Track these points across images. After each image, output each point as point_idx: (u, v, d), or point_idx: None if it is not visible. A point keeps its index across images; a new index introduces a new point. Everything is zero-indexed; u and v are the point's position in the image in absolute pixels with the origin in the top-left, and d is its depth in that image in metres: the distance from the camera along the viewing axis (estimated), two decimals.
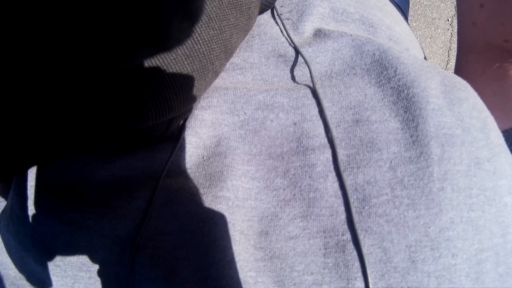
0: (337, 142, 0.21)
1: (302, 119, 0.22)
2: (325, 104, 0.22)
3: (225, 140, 0.22)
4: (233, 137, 0.22)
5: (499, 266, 0.19)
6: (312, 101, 0.22)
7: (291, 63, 0.24)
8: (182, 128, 0.22)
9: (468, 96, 0.23)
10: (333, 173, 0.20)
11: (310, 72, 0.23)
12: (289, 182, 0.21)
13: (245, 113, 0.23)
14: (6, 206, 0.23)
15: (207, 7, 0.19)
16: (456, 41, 1.23)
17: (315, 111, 0.22)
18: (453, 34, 1.23)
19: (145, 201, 0.20)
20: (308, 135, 0.21)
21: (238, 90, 0.23)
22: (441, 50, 1.22)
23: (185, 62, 0.18)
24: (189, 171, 0.22)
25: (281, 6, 0.26)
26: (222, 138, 0.22)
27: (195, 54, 0.19)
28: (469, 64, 0.33)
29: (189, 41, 0.19)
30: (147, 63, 0.18)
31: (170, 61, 0.18)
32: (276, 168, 0.21)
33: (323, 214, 0.20)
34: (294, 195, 0.20)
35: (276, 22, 0.26)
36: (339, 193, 0.20)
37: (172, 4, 0.14)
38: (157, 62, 0.18)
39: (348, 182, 0.20)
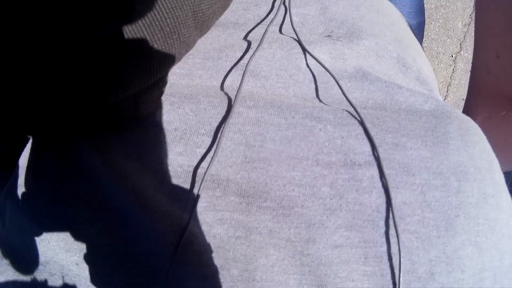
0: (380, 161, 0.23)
1: (348, 135, 0.23)
2: (367, 124, 0.23)
3: (271, 142, 0.23)
4: (278, 138, 0.23)
5: (495, 285, 0.22)
6: (355, 121, 0.24)
7: (332, 91, 0.26)
8: (222, 124, 0.23)
9: (479, 139, 0.26)
10: (377, 190, 0.22)
11: (349, 101, 0.25)
12: (336, 192, 0.22)
13: (293, 117, 0.23)
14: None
15: None
16: (456, 78, 1.28)
17: (359, 130, 0.23)
18: (455, 70, 1.28)
19: (187, 202, 0.21)
20: (354, 151, 0.23)
21: (283, 101, 0.24)
22: (441, 84, 1.27)
23: (145, 32, 0.18)
24: (230, 169, 0.22)
25: (331, 32, 0.28)
26: (267, 138, 0.23)
27: (156, 23, 0.18)
28: (478, 107, 0.36)
29: (151, 10, 0.18)
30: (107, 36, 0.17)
31: (128, 31, 0.17)
32: (324, 176, 0.22)
33: (365, 226, 0.21)
34: (341, 205, 0.22)
35: (322, 45, 0.28)
36: (380, 208, 0.22)
37: None
38: (114, 33, 0.17)
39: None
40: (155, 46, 0.19)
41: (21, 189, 0.23)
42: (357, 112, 0.24)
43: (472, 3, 1.32)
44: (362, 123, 0.24)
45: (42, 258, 0.22)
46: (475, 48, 0.37)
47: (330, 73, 0.25)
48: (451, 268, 0.21)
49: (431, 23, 1.30)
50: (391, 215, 0.22)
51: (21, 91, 0.17)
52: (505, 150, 0.33)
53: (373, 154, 0.23)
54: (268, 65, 0.26)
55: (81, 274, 0.22)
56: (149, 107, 0.23)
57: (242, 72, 0.25)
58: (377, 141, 0.23)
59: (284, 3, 0.30)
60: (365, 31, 0.29)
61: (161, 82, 0.22)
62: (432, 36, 1.32)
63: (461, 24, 1.31)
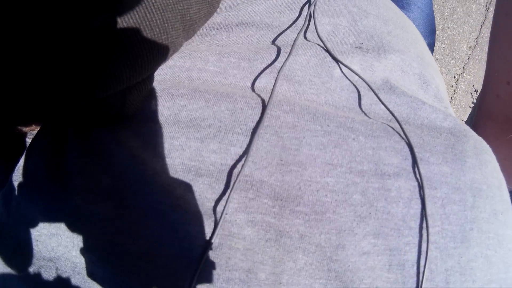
0: (406, 174, 0.24)
1: (378, 147, 0.24)
2: (395, 139, 0.25)
3: (307, 146, 0.23)
4: (314, 143, 0.23)
5: None
6: (385, 134, 0.25)
7: (362, 100, 0.27)
8: (258, 125, 0.23)
9: (491, 159, 0.27)
10: (403, 200, 0.23)
11: (392, 113, 0.26)
12: (366, 200, 0.23)
13: (328, 125, 0.24)
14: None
15: None
16: (457, 99, 1.31)
17: (388, 142, 0.25)
18: (456, 91, 1.32)
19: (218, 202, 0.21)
20: (384, 162, 0.24)
21: (317, 109, 0.25)
22: None
23: (134, 30, 0.18)
24: (264, 171, 0.22)
25: (361, 43, 0.29)
26: (303, 143, 0.23)
27: (147, 22, 0.19)
28: (487, 128, 0.38)
29: (141, 9, 0.18)
30: (97, 31, 0.17)
31: (120, 29, 0.18)
32: (356, 184, 0.23)
33: (391, 235, 0.22)
34: (370, 213, 0.22)
35: (354, 56, 0.29)
36: (406, 218, 0.23)
37: None
38: (106, 30, 0.17)
39: (413, 211, 0.23)
40: (144, 44, 0.19)
41: (30, 178, 0.22)
42: (400, 125, 0.25)
43: (479, 28, 1.36)
44: (406, 137, 0.25)
45: (51, 254, 0.22)
46: (487, 73, 0.39)
47: (368, 84, 0.27)
48: (464, 278, 0.23)
49: (437, 44, 1.33)
50: (414, 225, 0.23)
51: (8, 83, 0.17)
52: (510, 169, 0.35)
53: (411, 166, 0.24)
54: (303, 71, 0.27)
55: (95, 273, 0.21)
56: (136, 105, 0.22)
57: (276, 75, 0.26)
58: (405, 154, 0.24)
59: (311, 12, 0.30)
60: (392, 47, 0.30)
61: (148, 80, 0.22)
62: (436, 56, 1.35)
63: (466, 47, 1.34)
